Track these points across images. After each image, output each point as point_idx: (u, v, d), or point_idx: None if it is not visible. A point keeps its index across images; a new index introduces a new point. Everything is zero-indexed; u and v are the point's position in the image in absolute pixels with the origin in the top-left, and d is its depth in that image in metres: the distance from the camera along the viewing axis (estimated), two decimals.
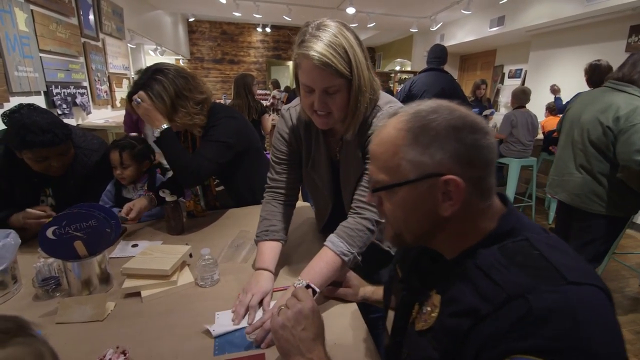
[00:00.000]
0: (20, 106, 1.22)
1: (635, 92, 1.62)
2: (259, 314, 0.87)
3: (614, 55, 4.03)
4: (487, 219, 0.54)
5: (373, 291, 0.93)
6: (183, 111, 1.21)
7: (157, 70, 1.20)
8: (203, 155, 1.26)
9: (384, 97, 0.97)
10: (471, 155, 0.51)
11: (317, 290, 0.84)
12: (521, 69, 6.07)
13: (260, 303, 0.90)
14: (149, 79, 1.18)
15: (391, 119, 0.57)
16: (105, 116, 3.84)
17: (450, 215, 0.51)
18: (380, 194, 0.57)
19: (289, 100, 4.47)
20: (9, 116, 1.20)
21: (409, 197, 0.53)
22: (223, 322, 0.85)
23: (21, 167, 1.26)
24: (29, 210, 1.19)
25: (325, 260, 0.89)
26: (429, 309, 0.55)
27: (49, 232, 0.88)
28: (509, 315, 0.43)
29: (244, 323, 0.84)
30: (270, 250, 1.02)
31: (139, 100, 1.17)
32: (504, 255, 0.48)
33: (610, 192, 1.69)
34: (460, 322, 0.47)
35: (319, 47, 0.79)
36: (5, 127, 1.23)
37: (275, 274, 1.01)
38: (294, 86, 0.97)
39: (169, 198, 1.31)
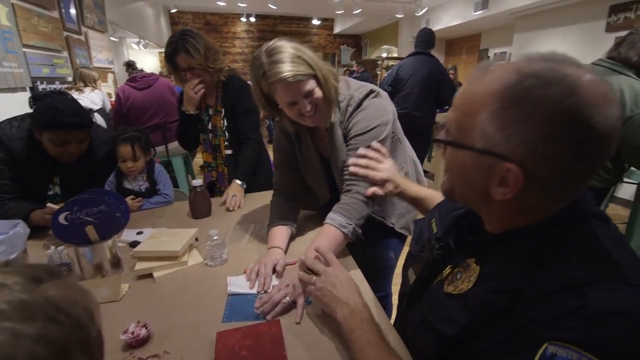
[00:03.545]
0: (52, 91, 1.31)
1: (632, 76, 1.62)
2: (274, 281, 0.94)
3: (594, 35, 4.14)
4: (546, 207, 0.49)
5: (409, 190, 0.95)
6: (212, 57, 1.49)
7: (183, 31, 1.47)
8: (249, 132, 1.61)
9: (353, 84, 1.05)
10: (553, 157, 0.43)
11: None
12: (505, 52, 6.15)
13: (274, 271, 0.97)
14: (180, 38, 1.43)
15: (497, 69, 0.47)
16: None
17: (502, 201, 0.47)
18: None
19: None
20: (39, 98, 1.26)
21: (467, 163, 0.50)
22: (238, 283, 0.93)
23: (38, 152, 1.27)
24: (50, 205, 1.22)
25: (327, 234, 0.94)
26: (464, 275, 0.54)
27: (61, 218, 0.91)
28: (559, 305, 0.41)
29: (255, 289, 0.91)
30: (281, 232, 1.09)
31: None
32: (562, 243, 0.46)
33: (605, 168, 1.70)
34: (498, 299, 0.46)
35: (285, 68, 0.87)
36: (32, 110, 1.26)
37: (285, 253, 1.07)
38: (263, 109, 1.05)
39: (195, 183, 1.34)
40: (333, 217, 0.96)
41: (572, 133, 0.41)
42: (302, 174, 1.20)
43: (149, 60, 8.04)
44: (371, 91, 1.01)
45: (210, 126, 1.67)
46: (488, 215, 0.55)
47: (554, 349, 0.39)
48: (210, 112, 1.66)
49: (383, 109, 1.01)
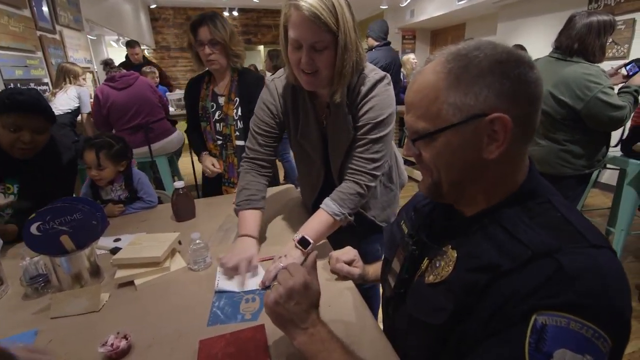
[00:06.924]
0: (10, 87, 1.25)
1: (580, 61, 1.67)
2: (260, 271, 0.96)
3: None
4: (521, 171, 0.54)
5: (371, 272, 0.94)
6: (236, 41, 1.58)
7: (212, 14, 1.54)
8: None
9: (368, 65, 1.01)
10: (516, 91, 0.48)
11: (311, 241, 0.93)
12: None
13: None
14: (210, 14, 1.52)
15: (427, 65, 0.54)
16: None
17: (496, 158, 0.50)
18: (419, 144, 0.54)
19: None
20: None
21: (452, 142, 0.51)
22: (226, 280, 0.92)
23: None
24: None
25: (319, 218, 0.99)
26: (442, 263, 0.55)
27: (33, 229, 0.86)
28: (536, 273, 0.43)
29: (245, 287, 0.92)
30: (253, 217, 1.07)
31: None
32: (528, 216, 0.49)
33: (573, 154, 1.78)
34: (478, 277, 0.47)
35: (310, 0, 0.81)
36: None
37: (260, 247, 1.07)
38: (281, 48, 0.96)
39: (177, 184, 1.31)
40: (328, 203, 1.00)
41: (515, 66, 0.48)
42: (277, 147, 1.15)
43: None
44: (385, 77, 0.99)
45: (218, 115, 1.67)
46: (472, 196, 0.55)
47: (543, 319, 0.41)
48: (221, 100, 1.65)
49: (393, 98, 1.01)
